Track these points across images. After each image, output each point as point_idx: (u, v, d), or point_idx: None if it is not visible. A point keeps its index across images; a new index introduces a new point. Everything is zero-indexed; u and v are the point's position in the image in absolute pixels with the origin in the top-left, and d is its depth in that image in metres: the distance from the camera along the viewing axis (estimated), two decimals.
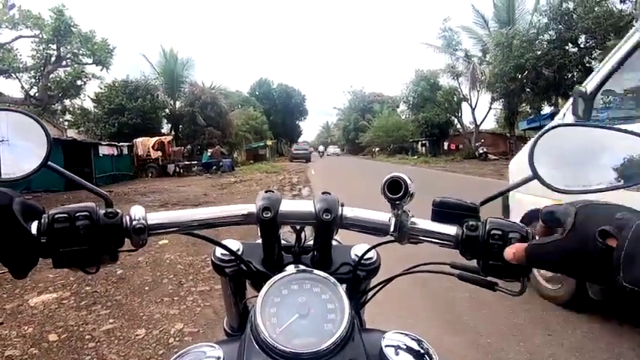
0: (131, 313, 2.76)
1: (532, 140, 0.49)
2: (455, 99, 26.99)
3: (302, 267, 0.51)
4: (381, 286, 0.61)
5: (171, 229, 0.51)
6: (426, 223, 0.50)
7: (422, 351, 0.44)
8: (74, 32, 13.51)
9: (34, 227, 0.43)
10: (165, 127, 25.19)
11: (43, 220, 0.43)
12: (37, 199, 8.22)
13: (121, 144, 16.78)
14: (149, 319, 2.65)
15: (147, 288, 3.26)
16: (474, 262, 0.48)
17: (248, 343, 0.41)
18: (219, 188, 11.64)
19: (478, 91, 24.54)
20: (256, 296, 0.44)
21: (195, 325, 2.56)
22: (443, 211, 0.50)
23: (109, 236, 0.45)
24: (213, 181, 14.37)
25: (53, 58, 13.91)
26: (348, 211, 0.51)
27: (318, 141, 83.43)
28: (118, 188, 12.46)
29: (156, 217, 0.49)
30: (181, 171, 18.01)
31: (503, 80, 17.28)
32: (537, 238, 0.43)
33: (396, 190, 0.46)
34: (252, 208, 0.51)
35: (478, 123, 26.09)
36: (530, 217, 2.44)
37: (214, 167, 18.65)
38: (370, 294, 0.62)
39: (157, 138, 18.44)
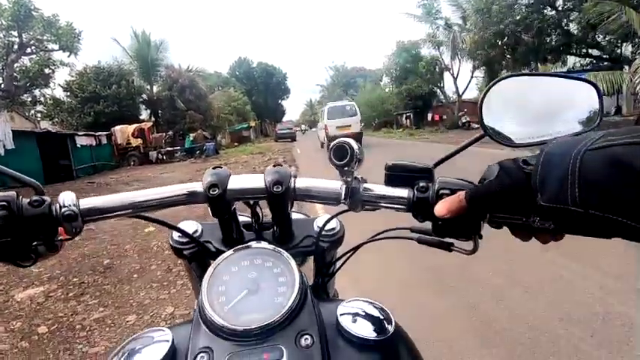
0: (121, 300, 2.77)
1: (482, 94, 0.48)
2: (437, 69, 26.86)
3: (254, 243, 0.49)
4: (347, 256, 0.61)
5: (111, 214, 0.47)
6: (379, 188, 0.48)
7: (381, 317, 0.44)
8: (35, 17, 12.79)
9: None
10: (144, 114, 24.49)
11: None
12: None
13: (99, 133, 16.29)
14: (139, 305, 2.67)
15: (135, 275, 3.25)
16: (429, 225, 0.47)
17: (196, 324, 0.40)
18: (203, 173, 11.49)
19: (459, 60, 24.47)
20: None
21: (186, 307, 2.59)
22: (396, 175, 0.48)
23: (37, 226, 0.42)
24: (197, 165, 14.17)
25: (16, 46, 13.17)
26: (301, 182, 0.50)
27: (302, 119, 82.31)
28: (99, 178, 12.20)
29: (90, 202, 0.46)
30: (164, 157, 17.68)
31: (483, 47, 17.20)
32: None
33: (342, 156, 0.45)
34: (198, 186, 0.49)
35: (460, 92, 26.16)
36: None
37: (198, 152, 18.35)
38: (338, 264, 0.62)
39: (135, 125, 17.96)
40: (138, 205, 0.49)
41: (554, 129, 0.45)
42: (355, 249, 0.61)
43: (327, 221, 0.56)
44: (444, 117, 27.98)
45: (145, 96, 23.95)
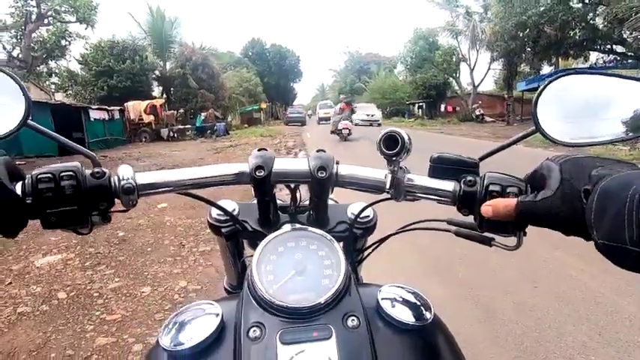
0: (135, 272, 2.86)
1: (538, 91, 0.46)
2: (453, 59, 26.33)
3: (298, 225, 0.50)
4: (377, 244, 0.62)
5: (162, 189, 0.49)
6: (423, 180, 0.49)
7: (419, 303, 0.45)
8: None
9: (18, 188, 0.41)
10: (157, 90, 24.55)
11: (27, 181, 0.42)
12: (30, 164, 8.16)
13: (112, 108, 16.35)
14: (153, 278, 2.75)
15: (149, 249, 3.34)
16: (470, 219, 0.47)
17: (246, 299, 0.41)
18: (214, 152, 11.58)
19: (477, 51, 23.90)
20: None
21: (198, 282, 2.67)
22: (441, 167, 0.48)
23: (97, 196, 0.44)
24: (208, 145, 14.25)
25: (34, 16, 13.20)
26: (344, 169, 0.51)
27: (313, 104, 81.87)
28: (112, 153, 12.36)
29: (145, 177, 0.48)
30: (175, 135, 17.78)
31: (503, 38, 16.77)
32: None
33: (392, 146, 0.45)
34: (244, 167, 0.50)
35: (476, 84, 25.65)
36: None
37: (209, 131, 18.42)
38: (367, 252, 0.63)
39: (148, 101, 17.98)
40: (188, 183, 0.50)
41: (603, 130, 0.45)
42: (386, 238, 0.61)
43: (364, 208, 0.57)
44: (458, 108, 27.55)
45: (157, 72, 23.93)
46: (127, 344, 1.98)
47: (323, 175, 0.48)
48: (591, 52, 16.64)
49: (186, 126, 19.43)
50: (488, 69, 25.30)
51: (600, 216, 0.33)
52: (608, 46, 15.24)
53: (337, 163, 0.51)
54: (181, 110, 22.06)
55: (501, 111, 25.59)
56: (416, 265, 2.76)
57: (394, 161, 0.47)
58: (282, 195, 0.62)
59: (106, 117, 15.70)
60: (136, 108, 17.29)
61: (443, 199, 0.47)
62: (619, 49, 14.96)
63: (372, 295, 0.44)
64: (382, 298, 0.44)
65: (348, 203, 0.61)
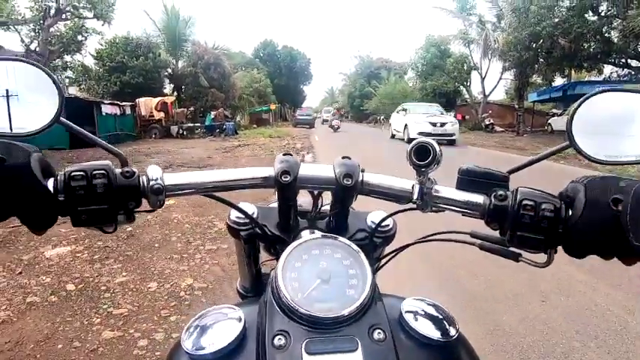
0: (143, 267, 2.89)
1: (574, 105, 0.46)
2: (465, 67, 26.19)
3: (321, 233, 0.50)
4: (396, 252, 0.61)
5: (189, 191, 0.49)
6: (450, 192, 0.48)
7: (440, 317, 0.44)
8: None
9: (50, 185, 0.41)
10: (168, 88, 24.75)
11: (59, 178, 0.42)
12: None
13: (124, 103, 16.55)
14: (160, 274, 2.77)
15: (156, 245, 3.37)
16: (495, 233, 0.47)
17: (270, 305, 0.41)
18: (222, 151, 11.65)
19: (489, 60, 23.76)
20: (271, 260, 0.45)
21: (204, 281, 2.69)
22: (469, 180, 0.47)
23: (126, 196, 0.44)
24: (216, 144, 14.34)
25: (52, 11, 13.46)
26: (369, 177, 0.51)
27: (322, 106, 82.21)
28: (122, 148, 12.17)
29: (173, 178, 0.48)
30: (185, 133, 17.92)
31: (516, 49, 16.63)
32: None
33: (422, 157, 0.45)
34: (270, 171, 0.50)
35: (487, 93, 25.50)
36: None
37: (217, 130, 18.53)
38: (384, 260, 0.62)
39: (159, 98, 18.19)
40: (214, 185, 0.50)
41: (637, 150, 0.44)
42: (405, 247, 0.61)
43: (386, 217, 0.57)
44: (467, 117, 27.37)
45: (169, 70, 24.17)
46: (133, 339, 2.00)
47: (349, 183, 0.48)
48: (605, 66, 16.46)
49: (196, 124, 19.57)
50: (500, 78, 25.14)
51: (636, 219, 0.33)
52: (623, 60, 15.07)
53: (363, 170, 0.50)
54: (191, 108, 22.18)
55: (511, 121, 25.37)
56: (420, 275, 2.75)
57: (423, 172, 0.46)
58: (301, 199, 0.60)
59: (118, 112, 15.89)
60: (147, 104, 17.49)
61: (471, 212, 0.47)
62: (634, 63, 14.79)
63: (395, 308, 0.44)
64: (406, 311, 0.43)
65: (368, 211, 0.60)
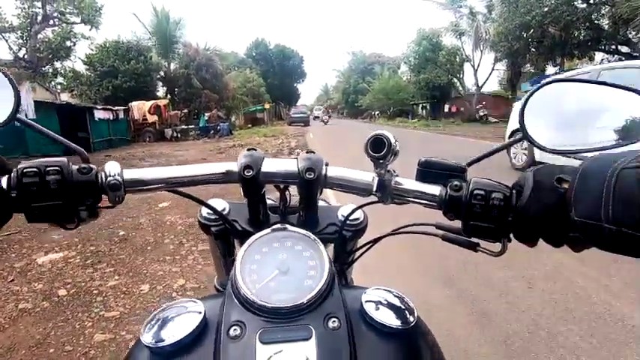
0: (135, 270, 2.90)
1: (524, 97, 0.46)
2: (457, 59, 26.27)
3: (284, 225, 0.50)
4: (367, 246, 0.62)
5: (150, 186, 0.49)
6: (410, 183, 0.48)
7: (403, 307, 0.44)
8: None
9: (4, 182, 0.42)
10: (161, 91, 24.65)
11: (12, 175, 0.42)
12: None
13: (117, 108, 16.46)
14: (152, 276, 2.79)
15: (149, 248, 3.38)
16: (457, 223, 0.47)
17: (228, 298, 0.41)
18: (217, 152, 11.65)
19: (481, 51, 23.82)
20: None
21: (196, 281, 2.70)
22: (428, 171, 0.48)
23: (83, 192, 0.44)
24: (211, 145, 14.32)
25: (39, 18, 13.36)
26: (332, 171, 0.50)
27: (317, 104, 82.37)
28: (115, 153, 12.46)
29: (133, 174, 0.48)
30: (179, 135, 17.88)
31: (507, 39, 16.69)
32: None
33: (379, 149, 0.45)
34: (233, 166, 0.50)
35: (480, 85, 25.56)
36: None
37: (212, 131, 18.51)
38: (357, 254, 0.63)
39: (152, 102, 18.13)
40: (176, 180, 0.50)
41: (593, 138, 0.45)
42: (376, 241, 0.62)
43: (353, 211, 0.58)
44: (462, 109, 27.45)
45: (162, 73, 24.05)
46: (124, 340, 2.01)
47: (311, 177, 0.48)
48: (596, 53, 16.52)
49: (190, 126, 19.53)
50: (492, 69, 25.23)
51: (580, 194, 0.34)
52: (613, 47, 15.14)
53: (327, 164, 0.51)
54: (185, 110, 22.14)
55: (505, 112, 25.45)
56: (407, 266, 2.78)
57: (381, 164, 0.47)
58: (275, 196, 0.62)
59: (111, 117, 15.81)
60: (140, 108, 17.42)
61: (429, 203, 0.48)
62: (624, 49, 14.85)
63: (356, 298, 0.44)
64: (366, 301, 0.44)
65: (340, 205, 0.61)
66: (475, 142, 12.59)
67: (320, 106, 56.67)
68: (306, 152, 0.51)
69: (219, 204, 0.58)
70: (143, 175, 0.49)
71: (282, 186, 0.55)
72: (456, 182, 0.45)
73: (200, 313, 0.41)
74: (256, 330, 0.38)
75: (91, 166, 0.46)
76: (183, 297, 2.49)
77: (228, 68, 30.12)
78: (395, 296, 0.46)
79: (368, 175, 0.50)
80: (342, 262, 0.62)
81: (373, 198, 0.50)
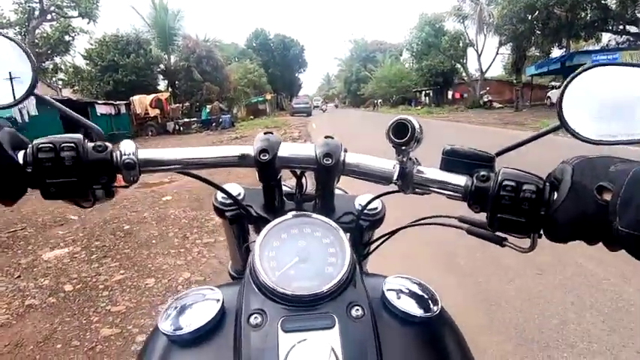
0: (140, 264, 2.89)
1: (564, 83, 0.43)
2: (460, 45, 25.81)
3: (306, 212, 0.49)
4: (385, 238, 0.60)
5: (164, 167, 0.48)
6: (433, 172, 0.46)
7: (425, 295, 0.43)
8: None
9: (20, 156, 0.42)
10: (162, 84, 24.57)
11: (28, 150, 0.42)
12: None
13: (118, 102, 16.47)
14: (157, 270, 2.78)
15: (154, 241, 3.38)
16: (482, 216, 0.45)
17: (247, 286, 0.40)
18: (220, 145, 11.62)
19: (485, 36, 23.39)
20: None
21: (201, 274, 2.69)
22: (453, 160, 0.45)
23: (98, 170, 0.44)
24: (214, 137, 14.29)
25: (37, 12, 13.25)
26: (351, 157, 0.48)
27: (319, 94, 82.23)
28: None
29: (147, 154, 0.47)
30: (181, 129, 17.85)
31: (512, 22, 16.34)
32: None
33: (401, 135, 0.42)
34: (249, 149, 0.48)
35: (484, 70, 25.17)
36: None
37: (214, 124, 18.46)
38: (374, 245, 0.61)
39: (154, 95, 18.06)
40: (190, 162, 0.49)
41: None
42: (393, 232, 0.60)
43: (371, 200, 0.56)
44: (465, 95, 27.11)
45: (162, 66, 23.92)
46: (131, 334, 2.01)
47: (329, 163, 0.46)
48: (603, 34, 16.14)
49: (192, 119, 19.48)
50: (497, 54, 24.81)
51: (627, 203, 0.31)
52: (621, 27, 14.77)
53: (345, 150, 0.49)
54: (187, 103, 22.07)
55: (510, 97, 25.07)
56: (417, 252, 2.75)
57: (403, 151, 0.44)
58: (291, 182, 0.61)
59: (113, 112, 15.82)
60: (141, 102, 17.38)
61: (453, 193, 0.45)
62: (632, 29, 14.49)
63: (376, 286, 0.43)
64: (387, 289, 0.43)
65: (357, 194, 0.60)
66: (483, 129, 12.44)
67: (318, 97, 62.25)
68: (325, 137, 0.49)
69: (235, 188, 0.57)
70: (158, 156, 0.48)
71: (298, 172, 0.53)
72: (483, 172, 0.42)
73: (218, 300, 0.40)
74: (278, 318, 0.37)
75: (107, 144, 0.45)
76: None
77: (228, 60, 29.96)
78: (417, 284, 0.45)
79: (389, 163, 0.48)
80: (359, 253, 0.59)
81: (393, 187, 0.48)
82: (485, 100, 22.83)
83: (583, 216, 0.35)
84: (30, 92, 0.46)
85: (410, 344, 0.40)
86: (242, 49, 42.87)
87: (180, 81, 23.63)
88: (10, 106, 0.47)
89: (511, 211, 0.39)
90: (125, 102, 16.98)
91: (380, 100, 39.16)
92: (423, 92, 33.25)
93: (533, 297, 2.12)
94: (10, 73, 0.46)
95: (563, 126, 0.42)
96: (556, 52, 20.54)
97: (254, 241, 0.47)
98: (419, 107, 29.47)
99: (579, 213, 0.35)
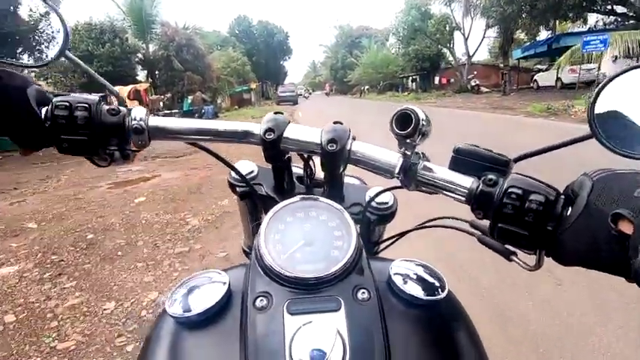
0: (100, 283, 2.51)
1: (597, 88, 0.38)
2: (447, 28, 25.43)
3: (312, 195, 0.49)
4: (394, 239, 0.59)
5: (173, 135, 0.49)
6: (440, 170, 0.42)
7: (432, 279, 0.43)
8: None
9: (43, 112, 0.45)
10: (141, 75, 23.60)
11: (49, 107, 0.44)
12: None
13: (94, 94, 15.65)
14: (120, 290, 2.40)
15: (119, 253, 2.98)
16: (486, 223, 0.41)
17: (253, 268, 0.40)
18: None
19: (472, 19, 23.04)
20: None
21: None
22: (464, 160, 0.41)
23: (109, 132, 0.45)
24: None
25: None
26: (358, 146, 0.46)
27: (305, 81, 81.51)
28: None
29: (158, 121, 0.48)
30: None
31: (499, 3, 16.00)
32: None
33: (405, 126, 0.39)
34: (256, 127, 0.48)
35: (471, 54, 24.89)
36: None
37: (196, 115, 17.83)
38: (382, 246, 0.59)
39: (131, 86, 17.29)
40: (199, 132, 0.49)
41: None
42: (403, 234, 0.58)
43: (380, 193, 0.55)
44: (452, 80, 26.89)
45: (140, 55, 22.91)
46: None
47: (333, 149, 0.44)
48: (590, 15, 15.97)
49: (173, 111, 18.76)
50: (483, 37, 24.55)
51: None
52: (609, 7, 14.59)
53: (354, 138, 0.46)
54: (168, 94, 21.23)
55: (496, 81, 24.97)
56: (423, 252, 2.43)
57: (407, 144, 0.41)
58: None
59: None
60: (120, 91, 16.60)
61: (457, 195, 0.41)
62: (619, 9, 14.33)
63: (383, 269, 0.43)
64: (394, 273, 0.42)
65: (370, 186, 0.57)
66: (474, 114, 12.24)
67: (301, 86, 63.32)
68: (334, 123, 0.48)
69: (248, 166, 0.58)
70: (167, 124, 0.49)
71: (306, 155, 0.52)
72: (491, 176, 0.39)
73: (225, 283, 0.41)
74: (283, 301, 0.37)
75: (121, 108, 0.46)
76: (155, 315, 2.13)
77: (210, 48, 28.99)
78: (423, 268, 0.44)
79: (394, 156, 0.45)
80: (366, 248, 0.51)
81: (395, 181, 0.46)
82: (473, 84, 22.60)
83: (594, 244, 0.30)
84: (60, 54, 0.48)
85: (416, 327, 0.40)
86: (224, 36, 41.53)
87: (160, 71, 22.68)
88: (42, 66, 0.50)
89: (513, 221, 0.36)
90: (101, 94, 16.11)
91: (367, 87, 38.70)
92: (410, 78, 32.90)
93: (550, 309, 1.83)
94: (42, 33, 0.50)
95: (595, 135, 0.38)
96: (543, 35, 20.37)
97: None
98: (406, 93, 29.14)
99: (590, 238, 0.30)
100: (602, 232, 0.29)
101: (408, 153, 0.42)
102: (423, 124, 0.39)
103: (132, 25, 22.94)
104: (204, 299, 0.39)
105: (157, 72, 22.95)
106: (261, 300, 0.37)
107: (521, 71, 24.04)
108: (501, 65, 23.75)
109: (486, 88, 22.94)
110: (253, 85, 31.41)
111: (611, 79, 0.38)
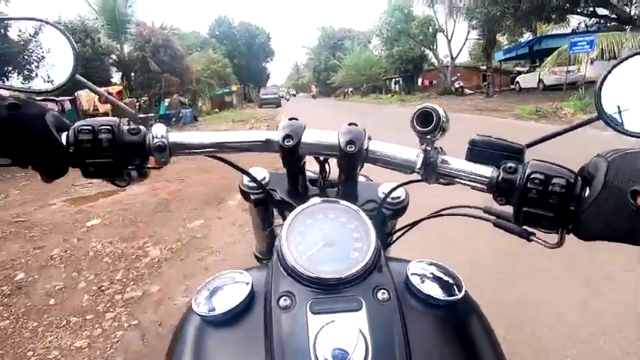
0: (14, 353, 1.88)
1: (604, 72, 0.41)
2: (430, 30, 25.34)
3: (333, 198, 0.50)
4: (407, 228, 0.60)
5: (193, 150, 0.49)
6: (459, 162, 0.44)
7: (449, 279, 0.43)
8: None
9: (63, 138, 0.45)
10: (116, 77, 22.54)
11: (70, 132, 0.45)
12: None
13: (61, 98, 14.60)
14: None
15: (51, 301, 2.35)
16: (508, 209, 0.43)
17: (275, 269, 0.41)
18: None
19: (455, 20, 22.98)
20: (282, 224, 0.45)
21: None
22: (480, 150, 0.43)
23: (131, 152, 0.46)
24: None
25: None
26: (374, 145, 0.48)
27: (288, 83, 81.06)
28: None
29: (178, 137, 0.49)
30: None
31: (483, 4, 15.85)
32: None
33: (426, 123, 0.42)
34: (274, 135, 0.49)
35: (454, 56, 24.86)
36: None
37: (174, 119, 16.98)
38: (396, 235, 0.61)
39: (103, 89, 16.27)
40: (218, 145, 0.50)
41: None
42: (415, 223, 0.59)
43: (394, 189, 0.56)
44: (435, 82, 26.82)
45: (114, 57, 21.85)
46: None
47: (352, 150, 0.46)
48: (573, 17, 16.01)
49: (149, 114, 17.81)
50: (466, 39, 24.55)
51: None
52: (591, 9, 14.62)
53: (369, 138, 0.48)
54: (145, 97, 20.27)
55: (478, 83, 25.03)
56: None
57: (427, 140, 0.44)
58: (314, 168, 0.58)
59: (56, 109, 13.96)
60: (89, 97, 15.59)
61: (478, 185, 0.43)
62: (601, 11, 14.37)
63: (400, 270, 0.44)
64: (411, 274, 0.43)
65: (381, 182, 0.59)
66: (459, 117, 11.93)
67: (283, 88, 64.98)
68: (349, 124, 0.48)
69: (260, 172, 0.58)
70: (187, 139, 0.49)
71: (321, 158, 0.53)
72: (510, 164, 0.41)
73: (248, 283, 0.42)
74: (306, 300, 0.38)
75: (140, 127, 0.47)
76: None
77: (189, 49, 28.04)
78: (439, 268, 0.45)
79: (413, 152, 0.46)
80: (382, 242, 0.54)
81: (416, 176, 0.48)
82: (457, 86, 22.52)
83: (616, 218, 0.33)
84: (72, 77, 0.48)
85: (435, 328, 0.41)
86: (204, 38, 40.44)
87: (135, 73, 21.63)
88: (52, 91, 0.49)
89: (539, 204, 0.38)
90: (70, 97, 15.16)
91: (351, 89, 38.40)
92: (393, 80, 32.76)
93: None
94: (49, 58, 0.49)
95: (602, 118, 0.40)
96: (526, 37, 20.45)
97: (278, 225, 0.51)
98: (389, 95, 28.94)
99: (611, 214, 0.33)
100: (622, 208, 0.31)
101: (429, 148, 0.44)
102: (443, 121, 0.41)
103: (105, 24, 21.89)
104: (228, 299, 0.40)
105: (132, 74, 21.92)
106: (285, 299, 0.38)
107: (502, 73, 24.15)
108: (483, 67, 23.78)
109: (469, 90, 22.91)
110: (234, 88, 30.59)
111: (616, 65, 0.40)
